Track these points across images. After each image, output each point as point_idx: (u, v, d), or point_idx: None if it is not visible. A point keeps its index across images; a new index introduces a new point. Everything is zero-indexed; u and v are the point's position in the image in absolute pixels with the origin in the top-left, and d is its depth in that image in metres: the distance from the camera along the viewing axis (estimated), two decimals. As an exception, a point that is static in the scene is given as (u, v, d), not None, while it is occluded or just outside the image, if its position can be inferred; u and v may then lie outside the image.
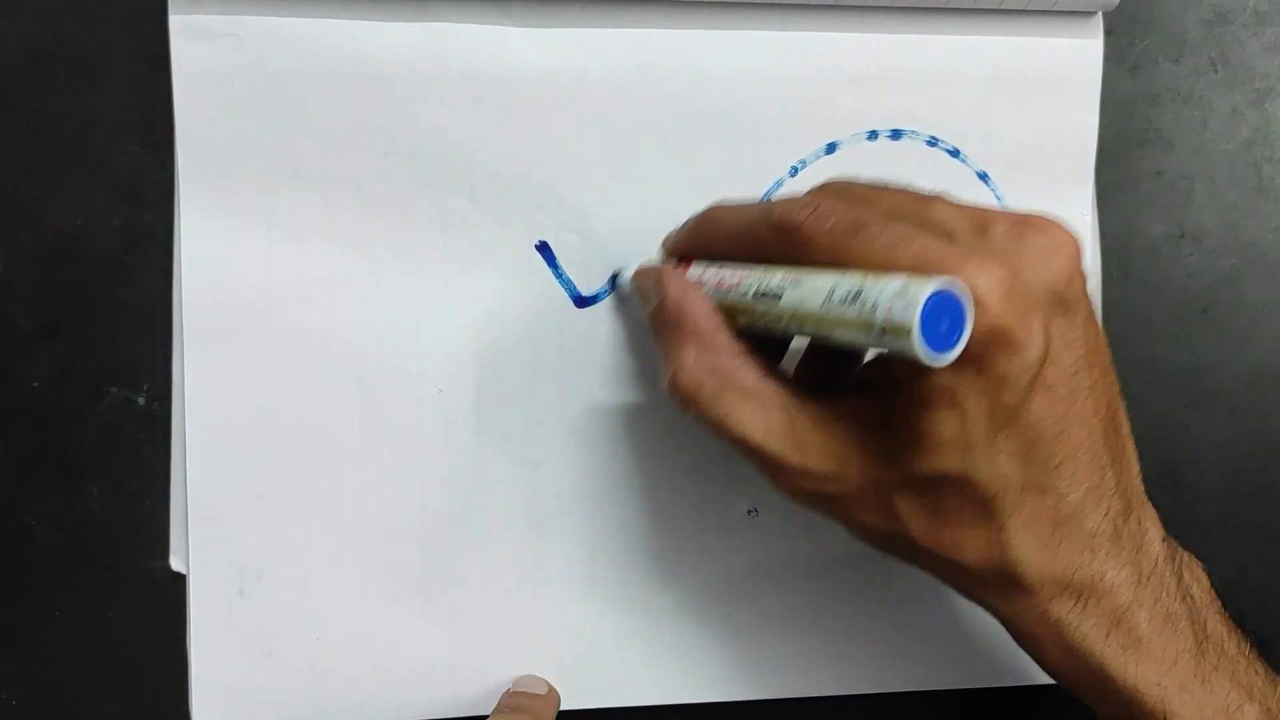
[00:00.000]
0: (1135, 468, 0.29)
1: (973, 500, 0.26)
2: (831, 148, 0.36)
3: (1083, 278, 0.27)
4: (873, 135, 0.36)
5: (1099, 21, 0.36)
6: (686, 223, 0.32)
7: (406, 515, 0.35)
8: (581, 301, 0.35)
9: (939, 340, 0.23)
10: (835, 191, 0.29)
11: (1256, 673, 0.29)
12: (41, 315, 0.34)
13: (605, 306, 0.35)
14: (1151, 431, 0.38)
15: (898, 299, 0.23)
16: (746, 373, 0.28)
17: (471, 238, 0.35)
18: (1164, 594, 0.28)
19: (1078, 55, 0.36)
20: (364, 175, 0.34)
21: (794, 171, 0.36)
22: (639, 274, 0.33)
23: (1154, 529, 0.29)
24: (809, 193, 0.29)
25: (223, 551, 0.34)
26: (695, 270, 0.31)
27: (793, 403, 0.28)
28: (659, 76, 0.35)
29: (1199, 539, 0.38)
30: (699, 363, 0.28)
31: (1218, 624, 0.29)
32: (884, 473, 0.27)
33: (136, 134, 0.34)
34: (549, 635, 0.35)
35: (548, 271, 0.35)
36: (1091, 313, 0.28)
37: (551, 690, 0.34)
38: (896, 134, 0.36)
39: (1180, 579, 0.29)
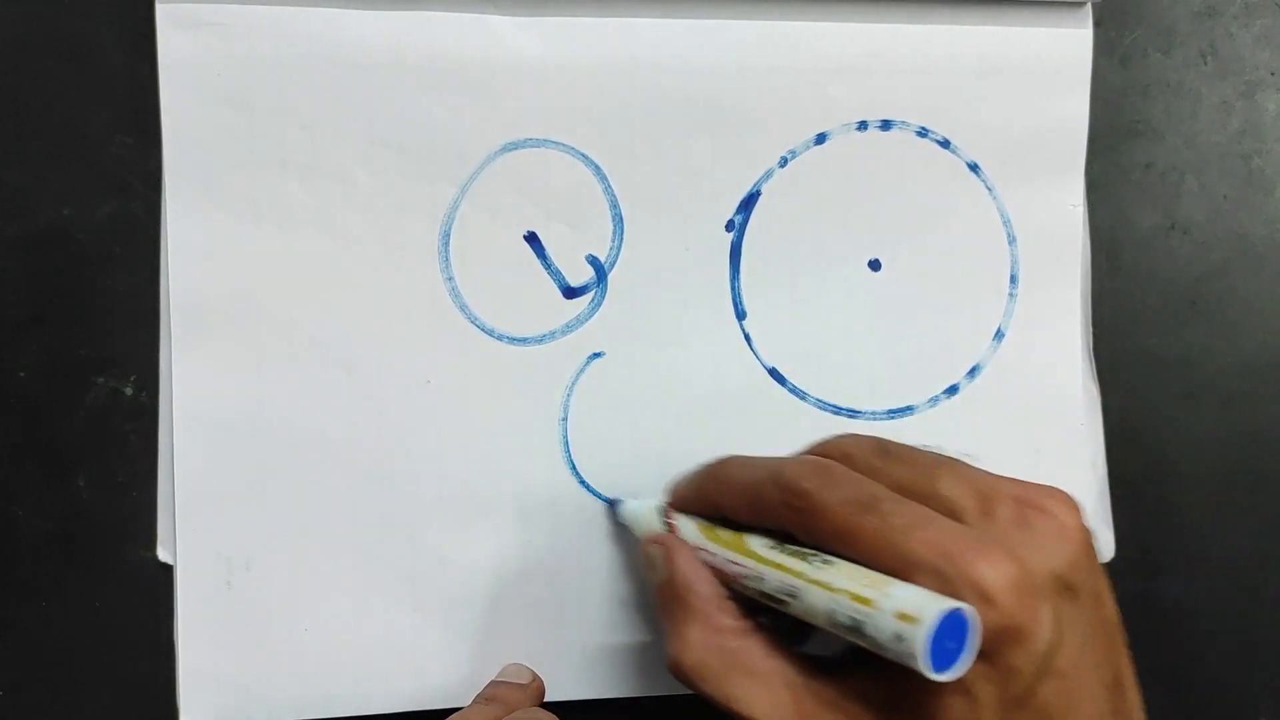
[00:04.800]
0: (1140, 718, 0.29)
1: None
2: (821, 138, 0.36)
3: (1089, 555, 0.27)
4: (862, 125, 0.36)
5: (1089, 12, 0.36)
6: (695, 472, 0.32)
7: (394, 505, 0.35)
8: (570, 292, 0.35)
9: (945, 657, 0.23)
10: (840, 455, 0.28)
11: None
12: (29, 305, 0.34)
13: (593, 297, 0.35)
14: (1142, 423, 0.38)
15: (897, 642, 0.23)
16: (752, 652, 0.28)
17: (460, 228, 0.35)
18: None
19: (1068, 45, 0.36)
20: (351, 165, 0.34)
21: (783, 162, 0.36)
22: (648, 542, 0.32)
23: None
24: (813, 453, 0.29)
25: (210, 542, 0.34)
26: (693, 534, 0.31)
27: (799, 681, 0.28)
28: (648, 66, 0.35)
29: (1190, 531, 0.38)
30: (702, 642, 0.28)
31: None
32: None
33: (125, 124, 0.34)
34: (538, 626, 0.35)
35: (536, 262, 0.35)
36: (1097, 584, 0.28)
37: (536, 680, 0.34)
38: (886, 124, 0.36)
39: None
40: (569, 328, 0.35)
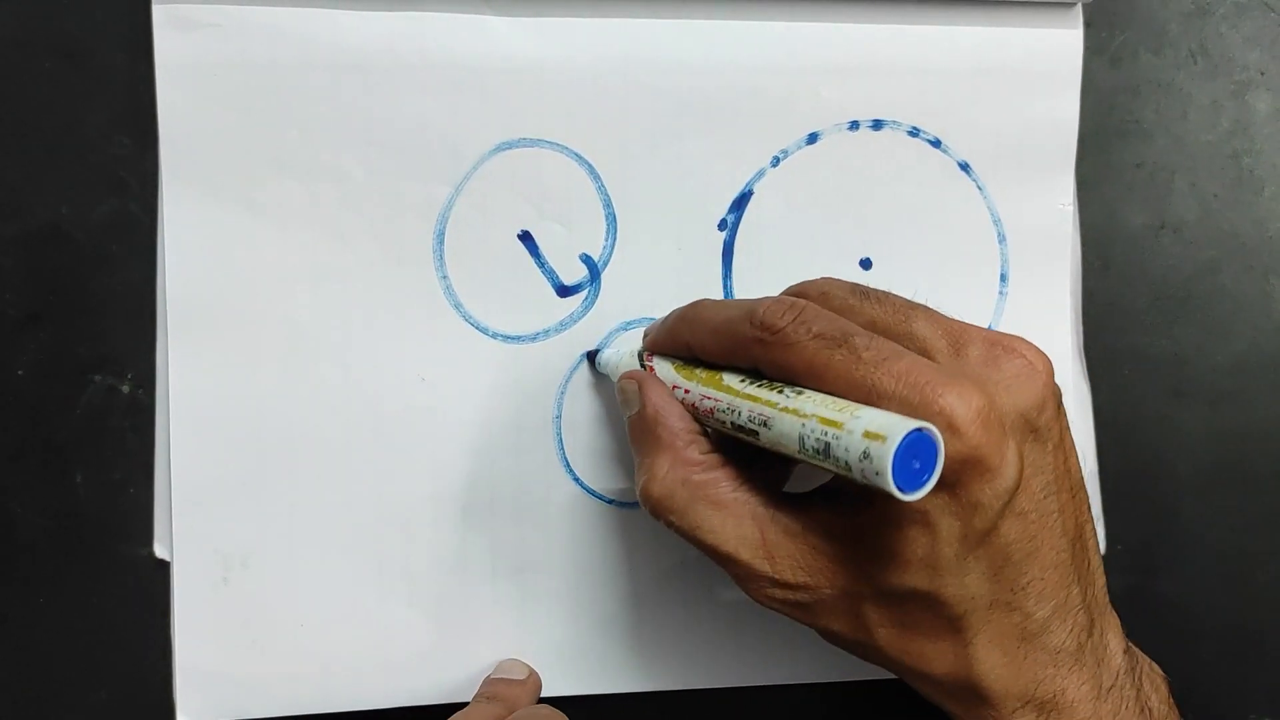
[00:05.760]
0: (1100, 580, 0.29)
1: (940, 616, 0.27)
2: (813, 138, 0.36)
3: (1055, 401, 0.28)
4: (854, 125, 0.36)
5: (1079, 12, 0.37)
6: (669, 315, 0.32)
7: (390, 502, 0.35)
8: (563, 290, 0.35)
9: (911, 478, 0.23)
10: (817, 294, 0.29)
11: None
12: (27, 304, 0.34)
13: (586, 296, 0.35)
14: (1132, 421, 0.38)
15: (864, 461, 0.23)
16: (719, 484, 0.28)
17: (454, 227, 0.35)
18: (1123, 707, 0.29)
19: (1058, 46, 0.37)
20: (347, 164, 0.34)
21: (776, 161, 0.36)
22: (624, 378, 0.32)
23: (1115, 641, 0.29)
24: (789, 293, 0.29)
25: (207, 539, 0.34)
26: (668, 374, 0.31)
27: (764, 513, 0.28)
28: (642, 66, 0.35)
29: (1180, 528, 0.38)
30: (671, 474, 0.29)
31: None
32: (853, 584, 0.27)
33: (122, 124, 0.34)
34: (532, 622, 0.35)
35: (530, 261, 0.35)
36: (1063, 435, 0.28)
37: (532, 675, 0.34)
38: (878, 124, 0.36)
39: (1140, 690, 0.29)
40: (562, 326, 0.35)
